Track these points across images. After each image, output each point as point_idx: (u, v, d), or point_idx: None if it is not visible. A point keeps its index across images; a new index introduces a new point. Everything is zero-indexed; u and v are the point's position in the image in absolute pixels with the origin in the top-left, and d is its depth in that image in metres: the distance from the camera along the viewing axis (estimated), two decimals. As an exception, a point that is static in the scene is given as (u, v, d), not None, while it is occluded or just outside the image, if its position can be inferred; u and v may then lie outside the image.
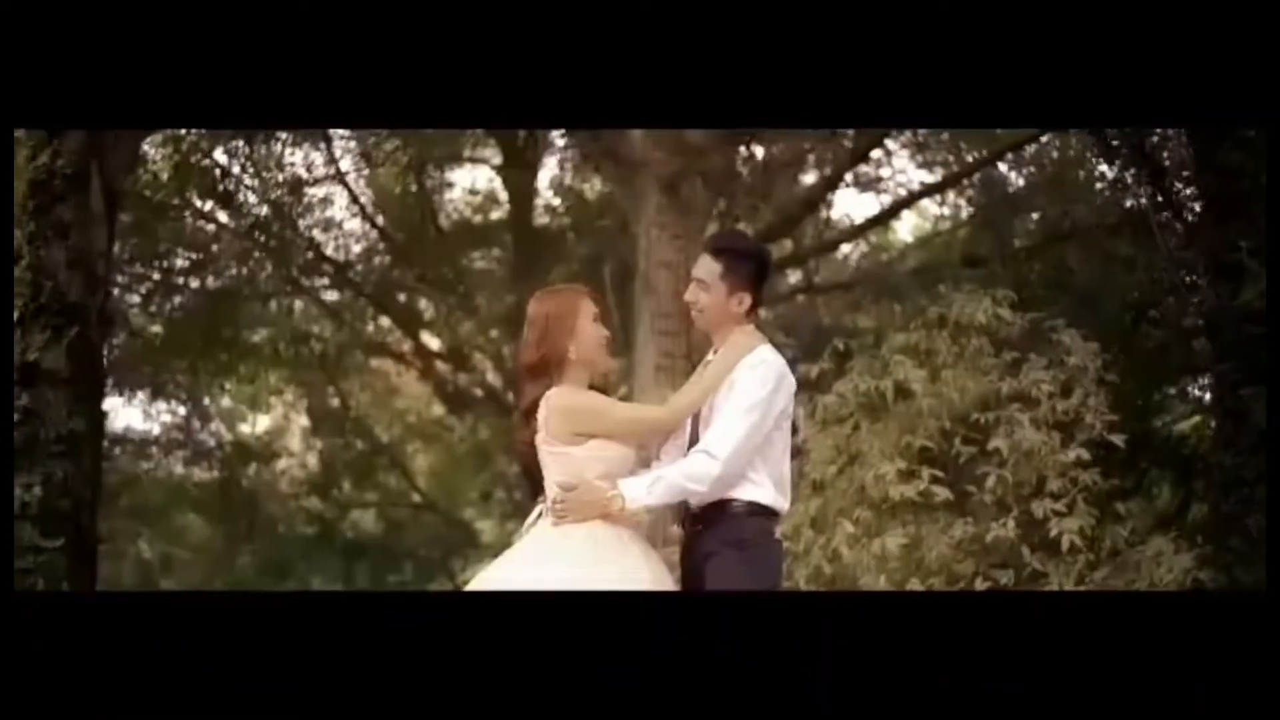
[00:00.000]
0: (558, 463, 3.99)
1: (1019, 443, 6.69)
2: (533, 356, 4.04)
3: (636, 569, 3.93)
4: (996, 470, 6.70)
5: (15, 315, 7.46)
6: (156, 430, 19.70)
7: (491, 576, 4.00)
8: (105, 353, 15.38)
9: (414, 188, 14.28)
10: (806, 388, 7.45)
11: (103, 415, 8.00)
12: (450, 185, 15.02)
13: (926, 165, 12.03)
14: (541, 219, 14.54)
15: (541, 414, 4.00)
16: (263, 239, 13.86)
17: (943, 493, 6.80)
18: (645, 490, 3.91)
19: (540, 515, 4.10)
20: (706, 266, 4.09)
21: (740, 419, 3.91)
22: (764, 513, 4.02)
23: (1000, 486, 6.70)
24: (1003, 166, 10.89)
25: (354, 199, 14.51)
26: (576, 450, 3.96)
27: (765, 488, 4.01)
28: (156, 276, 14.97)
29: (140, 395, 18.73)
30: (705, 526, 4.04)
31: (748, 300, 4.05)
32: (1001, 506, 6.73)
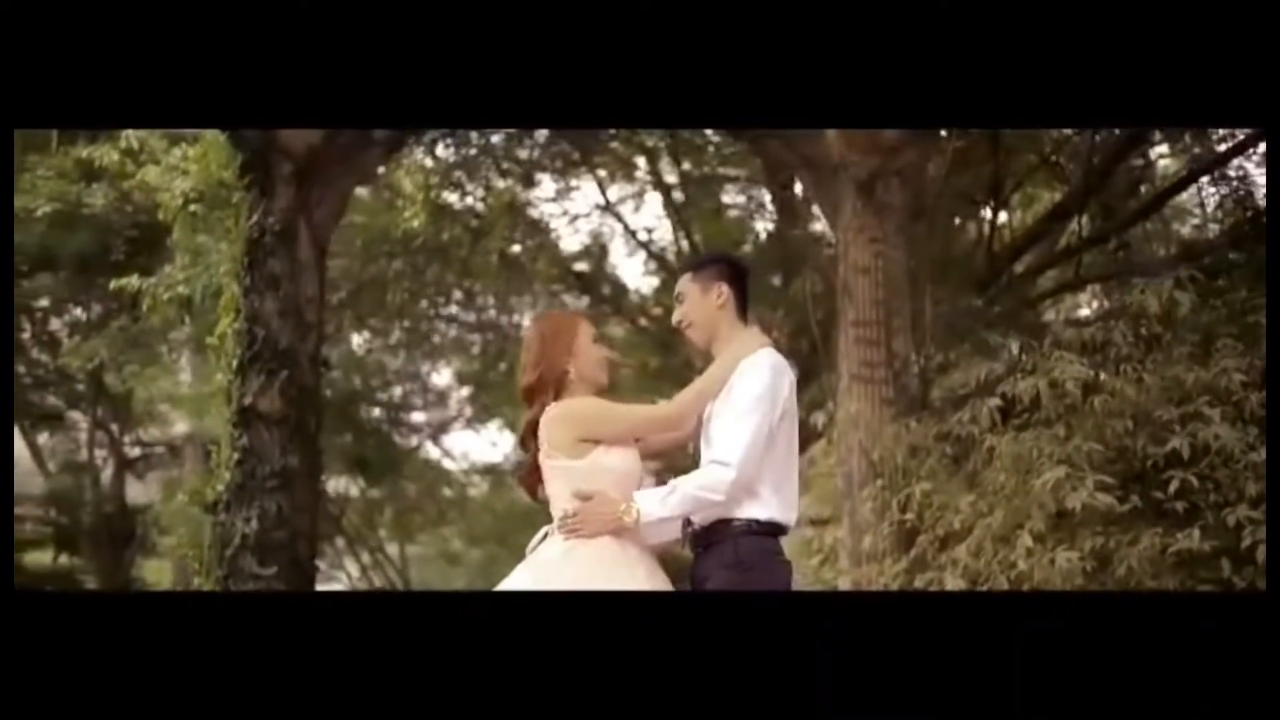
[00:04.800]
0: (561, 478, 3.91)
1: (1207, 442, 5.93)
2: (531, 377, 4.03)
3: (642, 586, 3.79)
4: (1183, 474, 5.96)
5: (234, 364, 8.17)
6: (500, 459, 21.37)
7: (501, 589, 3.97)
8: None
9: (680, 214, 14.49)
10: (981, 391, 6.94)
11: (319, 452, 8.53)
12: (717, 208, 15.05)
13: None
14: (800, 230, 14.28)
15: (543, 429, 3.96)
16: (539, 270, 14.49)
17: (1126, 500, 6.11)
18: (660, 502, 3.80)
19: (545, 536, 4.02)
20: (680, 284, 4.12)
21: (743, 421, 3.78)
22: (765, 530, 3.84)
23: (1189, 491, 5.96)
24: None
25: (625, 227, 14.93)
26: (578, 463, 3.88)
27: (768, 502, 3.83)
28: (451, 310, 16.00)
29: (484, 428, 20.43)
30: (705, 549, 3.89)
31: (724, 290, 4.01)
32: (1193, 514, 5.98)
